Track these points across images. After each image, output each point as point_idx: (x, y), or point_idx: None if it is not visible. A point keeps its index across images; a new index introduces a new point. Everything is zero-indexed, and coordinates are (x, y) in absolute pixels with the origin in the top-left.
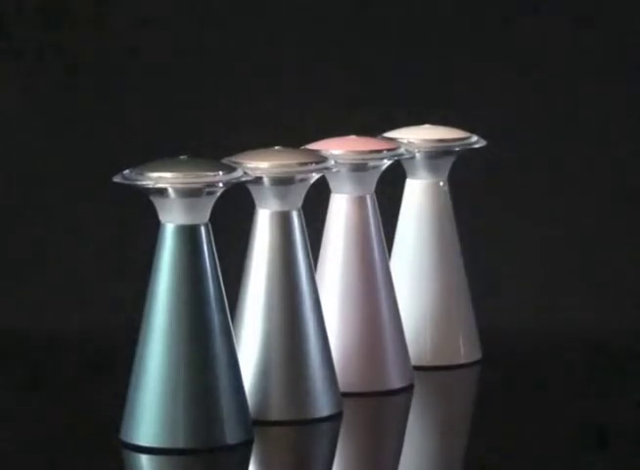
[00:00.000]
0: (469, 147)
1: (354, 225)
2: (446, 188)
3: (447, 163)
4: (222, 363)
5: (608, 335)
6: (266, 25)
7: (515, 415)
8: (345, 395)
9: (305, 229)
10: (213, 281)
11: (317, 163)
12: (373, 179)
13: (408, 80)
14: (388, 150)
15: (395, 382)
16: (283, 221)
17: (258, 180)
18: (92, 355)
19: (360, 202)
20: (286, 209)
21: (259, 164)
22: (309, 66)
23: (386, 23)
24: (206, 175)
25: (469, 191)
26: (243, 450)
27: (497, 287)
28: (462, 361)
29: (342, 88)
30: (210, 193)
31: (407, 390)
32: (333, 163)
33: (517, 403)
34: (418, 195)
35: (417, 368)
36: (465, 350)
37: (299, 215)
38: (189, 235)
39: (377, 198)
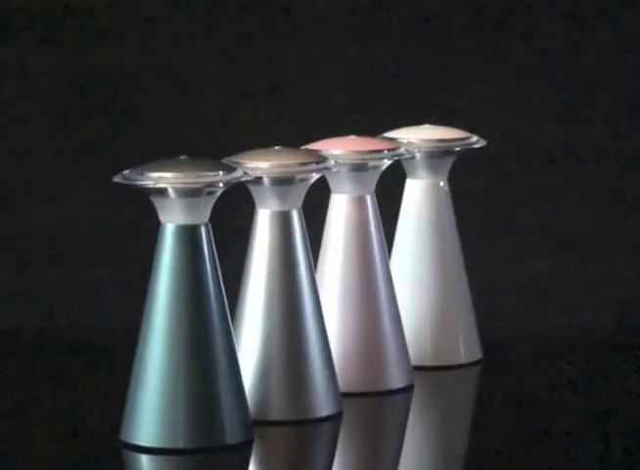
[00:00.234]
0: (469, 147)
1: (354, 225)
2: (446, 188)
3: (447, 163)
4: (222, 363)
5: (607, 335)
6: (266, 25)
7: (515, 415)
8: (345, 395)
9: (305, 229)
10: (213, 281)
11: (317, 163)
12: (373, 179)
13: (408, 80)
14: (389, 150)
15: (395, 382)
16: (283, 221)
17: (258, 180)
18: (92, 355)
19: (360, 202)
20: (286, 209)
21: (259, 164)
22: (309, 66)
23: (386, 23)
24: (206, 175)
25: (469, 191)
26: (243, 450)
27: (497, 287)
28: (462, 361)
29: (342, 88)
30: (210, 193)
31: (407, 390)
32: (333, 163)
33: (517, 403)
34: (418, 195)
35: (417, 368)
36: (465, 350)
37: (299, 215)
38: (189, 235)
39: (377, 198)
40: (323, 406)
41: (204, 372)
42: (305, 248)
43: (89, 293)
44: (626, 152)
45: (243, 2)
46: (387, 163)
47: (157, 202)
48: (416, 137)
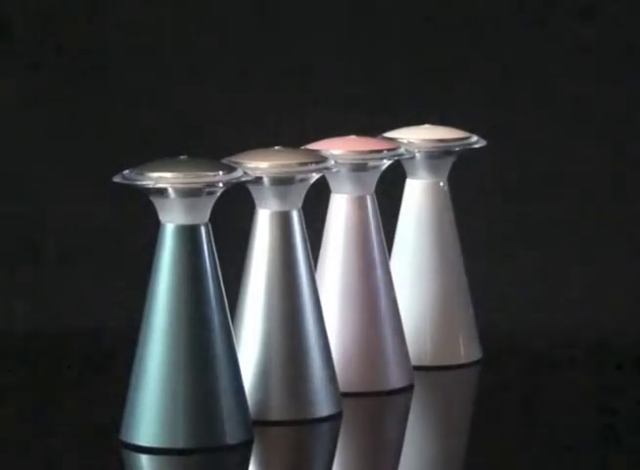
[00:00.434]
0: (469, 147)
1: (354, 225)
2: (446, 188)
3: (447, 163)
4: (222, 363)
5: (608, 335)
6: (266, 25)
7: (515, 415)
8: (345, 395)
9: (305, 229)
10: (213, 281)
11: (317, 163)
12: (373, 179)
13: (408, 80)
14: (388, 150)
15: (395, 382)
16: (283, 221)
17: (258, 180)
18: (92, 355)
19: (360, 202)
20: (286, 209)
21: (259, 164)
22: (309, 65)
23: (386, 23)
24: (206, 175)
25: (469, 191)
26: (243, 450)
27: (497, 287)
28: (462, 361)
29: (342, 88)
30: (210, 193)
31: (407, 390)
32: (333, 163)
33: (516, 403)
34: (418, 195)
35: (417, 368)
36: (465, 350)
37: (299, 215)
38: (189, 235)
39: (377, 198)
40: (323, 406)
41: (204, 372)
42: (305, 248)
43: (89, 293)
44: (627, 152)
45: (243, 2)
46: (387, 163)
47: (157, 202)
48: (416, 137)
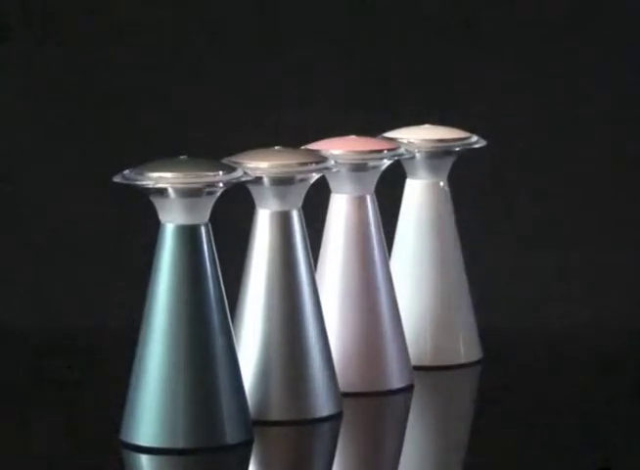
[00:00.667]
0: (469, 147)
1: (354, 225)
2: (446, 188)
3: (447, 163)
4: (222, 363)
5: (608, 335)
6: (266, 25)
7: (515, 415)
8: (345, 395)
9: (305, 229)
10: (213, 281)
11: (317, 163)
12: (373, 179)
13: (408, 80)
14: (389, 150)
15: (395, 382)
16: (283, 221)
17: (258, 180)
18: (92, 355)
19: (360, 202)
20: (286, 209)
21: (259, 164)
22: (309, 66)
23: (386, 23)
24: (206, 175)
25: (469, 191)
26: (243, 450)
27: (497, 287)
28: (462, 361)
29: (342, 88)
30: (210, 193)
31: (407, 390)
32: (333, 163)
33: (517, 403)
34: (418, 195)
35: (417, 368)
36: (465, 350)
37: (299, 215)
38: (189, 235)
39: (377, 198)
40: (323, 406)
41: (204, 372)
42: (305, 248)
43: (89, 293)
44: (627, 152)
45: (243, 2)
46: (387, 163)
47: (157, 202)
48: (416, 137)
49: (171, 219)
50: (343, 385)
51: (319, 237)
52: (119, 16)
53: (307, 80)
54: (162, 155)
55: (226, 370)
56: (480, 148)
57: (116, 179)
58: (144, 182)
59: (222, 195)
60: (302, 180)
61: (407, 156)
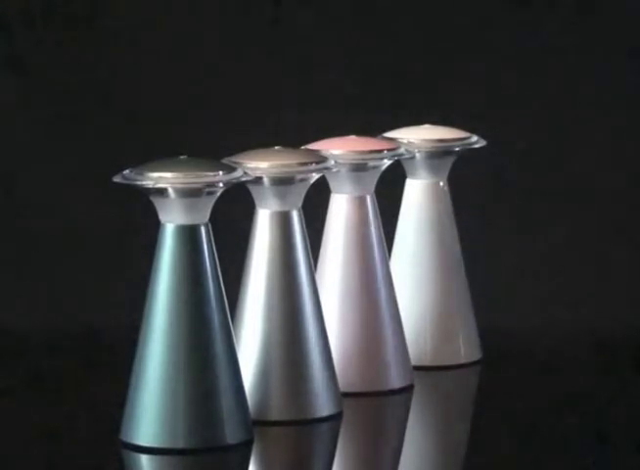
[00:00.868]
0: (469, 147)
1: (354, 225)
2: (446, 188)
3: (447, 163)
4: (222, 363)
5: (608, 335)
6: (266, 25)
7: (515, 415)
8: (345, 395)
9: (305, 229)
10: (213, 281)
11: (317, 163)
12: (373, 179)
13: (408, 80)
14: (389, 150)
15: (395, 382)
16: (283, 221)
17: (258, 180)
18: (92, 355)
19: (360, 202)
20: (286, 209)
21: (259, 164)
22: (309, 65)
23: (386, 23)
24: (206, 175)
25: (469, 191)
26: (243, 450)
27: (497, 287)
28: (462, 361)
29: (342, 88)
30: (210, 193)
31: (407, 390)
32: (333, 163)
33: (516, 403)
34: (418, 195)
35: (417, 368)
36: (465, 350)
37: (299, 215)
38: (189, 235)
39: (377, 198)
40: (323, 406)
41: (204, 372)
42: (305, 248)
43: (89, 293)
44: (627, 152)
45: (243, 2)
46: (387, 163)
47: (157, 202)
48: (416, 137)
49: (171, 219)
50: (343, 385)
51: (319, 237)
52: (119, 16)
53: (307, 80)
54: (162, 155)
55: (226, 370)
56: (480, 148)
57: (116, 179)
58: (144, 182)
59: (222, 195)
60: (302, 180)
61: (407, 156)
